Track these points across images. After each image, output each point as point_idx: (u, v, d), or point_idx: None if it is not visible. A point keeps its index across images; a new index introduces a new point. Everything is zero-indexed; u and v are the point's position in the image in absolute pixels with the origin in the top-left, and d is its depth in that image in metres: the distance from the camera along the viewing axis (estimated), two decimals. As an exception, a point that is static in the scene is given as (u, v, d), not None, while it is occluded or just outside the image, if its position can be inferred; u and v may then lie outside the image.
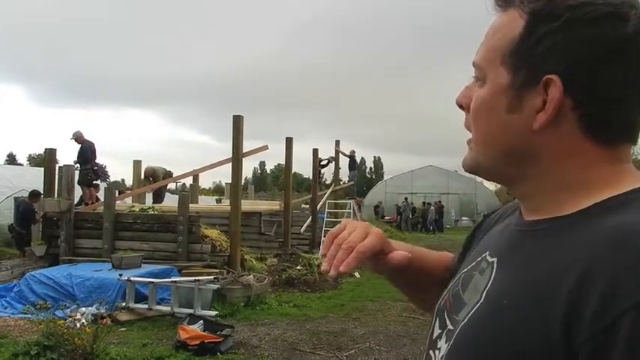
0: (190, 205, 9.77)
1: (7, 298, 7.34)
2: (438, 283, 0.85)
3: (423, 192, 32.72)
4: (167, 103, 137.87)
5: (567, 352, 0.51)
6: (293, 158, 13.43)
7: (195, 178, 14.36)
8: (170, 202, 13.04)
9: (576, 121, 0.60)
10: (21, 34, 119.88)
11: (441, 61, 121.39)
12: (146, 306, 6.79)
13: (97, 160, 11.29)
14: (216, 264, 8.70)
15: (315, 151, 15.45)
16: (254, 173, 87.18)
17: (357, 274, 10.61)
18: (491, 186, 31.72)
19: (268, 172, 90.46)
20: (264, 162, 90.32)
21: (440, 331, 0.72)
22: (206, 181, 63.82)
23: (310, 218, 14.14)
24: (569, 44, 0.59)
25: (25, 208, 11.02)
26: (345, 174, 18.47)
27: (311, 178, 16.39)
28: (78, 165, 10.91)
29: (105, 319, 5.23)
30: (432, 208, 27.75)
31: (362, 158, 73.05)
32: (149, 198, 13.32)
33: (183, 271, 8.08)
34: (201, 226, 9.26)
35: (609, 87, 0.59)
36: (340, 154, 17.49)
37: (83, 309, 6.30)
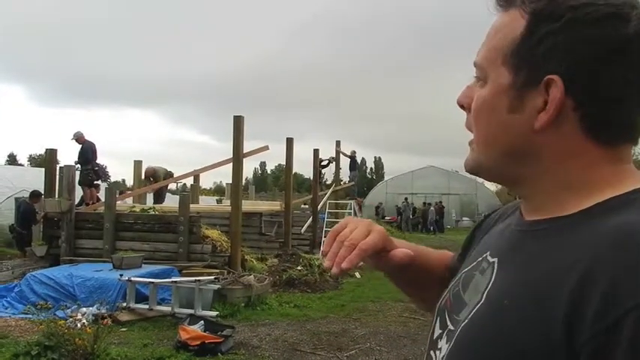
0: (191, 206, 9.77)
1: (8, 299, 7.34)
2: (438, 282, 0.85)
3: (423, 192, 32.74)
4: (167, 103, 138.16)
5: (569, 352, 0.51)
6: (293, 158, 13.45)
7: (196, 179, 14.36)
8: (171, 202, 13.06)
9: (577, 121, 0.60)
10: (21, 34, 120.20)
11: (441, 61, 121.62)
12: (147, 306, 6.79)
13: (97, 161, 11.31)
14: (217, 264, 8.70)
15: (316, 152, 15.47)
16: (255, 173, 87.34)
17: (357, 275, 10.61)
18: (492, 186, 31.78)
19: (269, 172, 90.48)
20: (264, 162, 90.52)
21: (440, 331, 0.72)
22: (207, 182, 63.95)
23: (311, 218, 14.15)
24: (571, 44, 0.59)
25: (26, 209, 11.02)
26: (345, 174, 18.48)
27: (311, 178, 16.39)
28: (79, 165, 10.91)
29: (105, 320, 5.22)
30: (432, 208, 27.75)
31: (362, 158, 73.24)
32: (150, 198, 13.33)
33: (184, 271, 8.08)
34: (201, 226, 9.27)
35: (610, 87, 0.59)
36: (341, 155, 17.50)
37: (84, 309, 6.30)
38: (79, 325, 5.07)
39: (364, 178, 63.87)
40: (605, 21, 0.58)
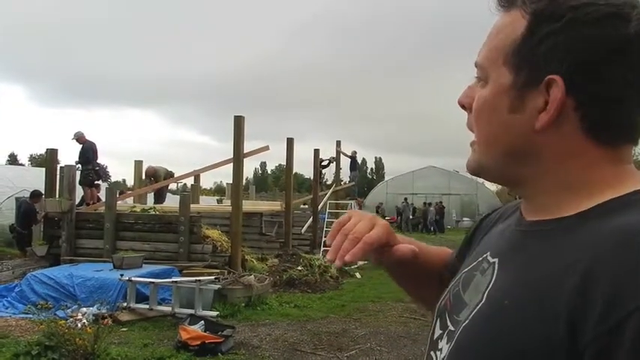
0: (191, 206, 9.76)
1: (9, 298, 7.34)
2: (437, 279, 0.86)
3: (424, 192, 32.74)
4: (167, 103, 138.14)
5: (571, 352, 0.51)
6: (294, 158, 13.45)
7: (197, 179, 14.37)
8: (171, 202, 13.05)
9: (578, 121, 0.60)
10: (21, 34, 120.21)
11: (441, 61, 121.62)
12: (147, 306, 6.79)
13: (98, 161, 11.32)
14: (217, 264, 8.70)
15: (316, 152, 15.46)
16: (255, 174, 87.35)
17: (358, 275, 10.61)
18: (493, 187, 31.76)
19: (269, 172, 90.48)
20: (265, 162, 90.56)
21: (441, 331, 0.72)
22: (207, 182, 63.99)
23: (311, 219, 14.15)
24: (571, 45, 0.59)
25: (27, 209, 11.02)
26: (346, 174, 18.49)
27: (312, 178, 16.39)
28: (79, 165, 10.92)
29: (106, 319, 5.24)
30: (432, 208, 27.74)
31: (363, 159, 73.27)
32: (150, 198, 13.33)
33: (184, 271, 8.09)
34: (202, 226, 9.28)
35: (610, 87, 0.59)
36: (341, 155, 17.50)
37: (84, 309, 6.31)
38: (79, 325, 5.08)
39: (365, 179, 63.87)
40: (606, 21, 0.58)
